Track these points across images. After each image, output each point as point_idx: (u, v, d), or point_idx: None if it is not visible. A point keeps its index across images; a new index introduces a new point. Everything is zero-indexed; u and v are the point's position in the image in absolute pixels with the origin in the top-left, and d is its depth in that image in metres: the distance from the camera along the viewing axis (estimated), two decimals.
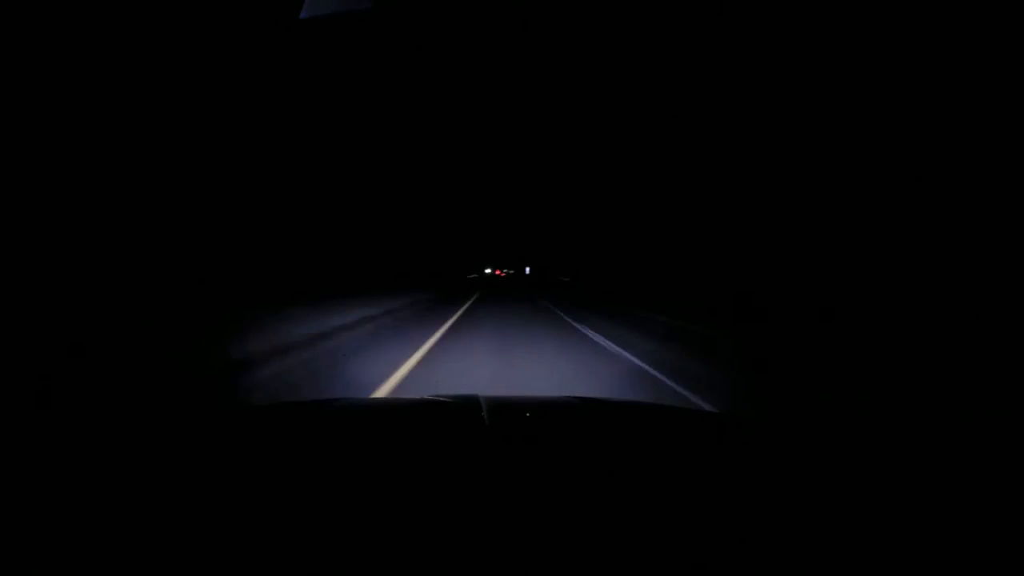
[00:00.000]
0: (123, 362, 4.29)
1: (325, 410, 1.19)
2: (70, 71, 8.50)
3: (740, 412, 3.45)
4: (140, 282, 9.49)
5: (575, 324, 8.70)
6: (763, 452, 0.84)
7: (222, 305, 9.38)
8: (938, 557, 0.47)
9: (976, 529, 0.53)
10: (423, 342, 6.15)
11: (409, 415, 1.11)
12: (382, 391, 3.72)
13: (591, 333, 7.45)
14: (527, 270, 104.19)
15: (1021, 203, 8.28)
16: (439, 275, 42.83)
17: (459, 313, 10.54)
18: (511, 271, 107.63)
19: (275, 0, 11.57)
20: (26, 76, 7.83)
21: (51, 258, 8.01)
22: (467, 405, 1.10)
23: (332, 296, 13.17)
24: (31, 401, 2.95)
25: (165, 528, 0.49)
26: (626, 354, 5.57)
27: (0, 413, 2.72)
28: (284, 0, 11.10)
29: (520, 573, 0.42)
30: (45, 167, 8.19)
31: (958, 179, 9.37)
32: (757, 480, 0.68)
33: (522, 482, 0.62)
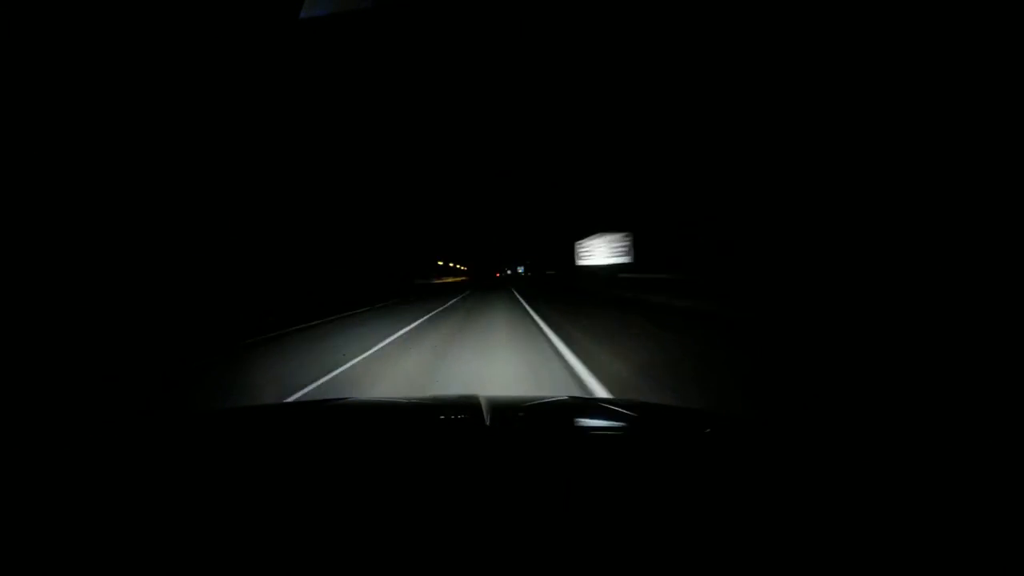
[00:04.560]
0: None
1: (325, 410, 1.20)
2: (70, 70, 8.48)
3: (738, 412, 3.46)
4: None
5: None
6: (761, 452, 0.84)
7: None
8: (935, 559, 0.47)
9: (973, 531, 0.52)
10: None
11: (409, 415, 1.11)
12: None
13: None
14: (508, 271, 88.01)
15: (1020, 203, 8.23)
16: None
17: None
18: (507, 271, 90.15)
19: (275, 0, 11.54)
20: (25, 76, 7.80)
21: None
22: (467, 405, 1.10)
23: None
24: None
25: (162, 529, 0.50)
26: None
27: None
28: (284, 0, 11.06)
29: (520, 574, 0.42)
30: (44, 167, 8.17)
31: (957, 178, 9.32)
32: (756, 481, 0.68)
33: (522, 483, 0.62)
